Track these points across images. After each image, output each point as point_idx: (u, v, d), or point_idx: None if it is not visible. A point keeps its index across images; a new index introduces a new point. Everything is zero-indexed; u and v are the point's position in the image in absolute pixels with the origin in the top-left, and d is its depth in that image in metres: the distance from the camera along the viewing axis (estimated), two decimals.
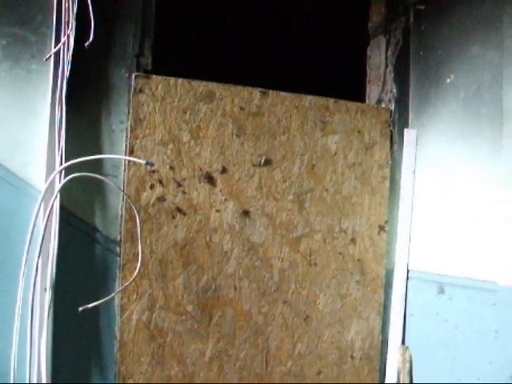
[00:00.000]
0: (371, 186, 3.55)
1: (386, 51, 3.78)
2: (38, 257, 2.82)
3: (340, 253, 3.48)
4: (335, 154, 3.48)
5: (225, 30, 4.85)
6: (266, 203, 3.36)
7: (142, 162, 2.83)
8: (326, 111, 3.47)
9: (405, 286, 3.52)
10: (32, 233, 2.82)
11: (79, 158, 2.86)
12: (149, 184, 3.17)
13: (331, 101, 3.49)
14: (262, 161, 3.35)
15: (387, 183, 3.59)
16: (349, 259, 3.50)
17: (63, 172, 2.91)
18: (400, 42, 3.76)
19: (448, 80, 3.39)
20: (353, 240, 3.51)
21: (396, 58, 3.75)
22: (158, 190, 3.18)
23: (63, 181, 2.86)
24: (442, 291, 3.25)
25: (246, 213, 3.32)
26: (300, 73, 4.55)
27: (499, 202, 2.92)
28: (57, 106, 3.01)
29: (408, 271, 3.52)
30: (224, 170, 3.28)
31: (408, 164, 3.57)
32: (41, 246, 2.82)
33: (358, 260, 3.51)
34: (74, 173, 2.83)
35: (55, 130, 2.99)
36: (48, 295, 2.91)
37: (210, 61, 4.58)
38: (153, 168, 3.16)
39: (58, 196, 2.89)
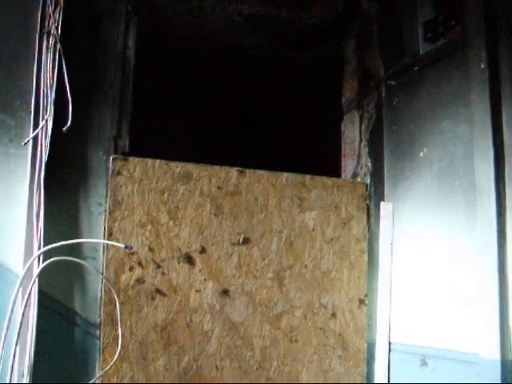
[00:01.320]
0: (350, 261, 3.57)
1: (360, 126, 3.86)
2: (16, 343, 2.78)
3: (321, 328, 3.47)
4: (313, 229, 3.52)
5: (202, 111, 4.93)
6: (246, 281, 3.36)
7: (121, 246, 2.84)
8: (303, 188, 3.52)
9: (387, 358, 3.50)
10: (10, 318, 2.79)
11: (58, 241, 2.87)
12: (128, 266, 3.17)
13: (308, 177, 3.54)
14: (241, 239, 3.37)
15: (366, 257, 3.61)
16: (330, 334, 3.49)
17: (41, 256, 2.90)
18: (373, 117, 3.84)
19: (421, 154, 3.46)
20: (333, 315, 3.50)
21: (370, 132, 3.83)
22: (138, 271, 3.18)
23: (41, 265, 2.85)
24: (424, 363, 3.24)
25: (225, 292, 3.32)
26: (276, 150, 4.61)
27: (477, 273, 2.95)
28: (35, 190, 3.02)
29: (390, 344, 3.51)
30: (203, 250, 3.29)
31: (385, 237, 3.60)
32: (19, 332, 2.78)
33: (339, 334, 3.50)
34: (52, 256, 2.83)
35: (33, 213, 3.00)
36: (26, 381, 2.86)
37: (188, 141, 4.64)
38: (132, 250, 3.16)
39: (37, 281, 2.88)
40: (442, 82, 3.39)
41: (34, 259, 2.88)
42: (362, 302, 3.56)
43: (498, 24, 3.10)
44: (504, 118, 2.98)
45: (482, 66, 3.05)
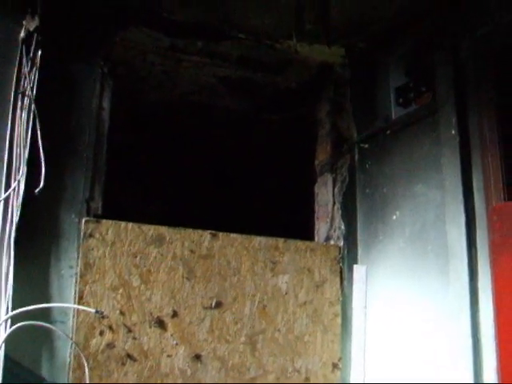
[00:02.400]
0: (323, 324, 3.55)
1: (333, 189, 3.88)
2: None
3: None
4: (286, 293, 3.50)
5: (176, 174, 4.94)
6: (218, 346, 3.31)
7: (92, 310, 2.80)
8: (276, 251, 3.51)
9: None
10: None
11: (27, 305, 2.82)
12: (98, 330, 3.11)
13: (281, 241, 3.54)
14: (213, 303, 3.33)
15: (339, 320, 3.59)
16: None
17: (9, 321, 2.84)
18: (346, 180, 3.87)
19: (394, 217, 3.49)
20: (307, 379, 3.46)
21: (343, 195, 3.85)
22: (108, 336, 3.12)
23: (9, 331, 2.79)
24: None
25: (197, 357, 3.26)
26: (250, 213, 4.62)
27: (451, 337, 2.95)
28: (5, 252, 2.98)
29: None
30: (175, 314, 3.25)
31: (359, 300, 3.59)
32: None
33: None
34: (20, 320, 2.77)
35: (2, 276, 2.95)
36: None
37: (161, 204, 4.64)
38: (103, 315, 3.11)
39: (3, 346, 2.81)
40: (413, 146, 3.44)
41: (1, 324, 2.82)
42: (335, 366, 3.53)
43: (468, 91, 3.17)
44: (475, 183, 3.02)
45: (453, 132, 3.11)
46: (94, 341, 3.10)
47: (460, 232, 2.97)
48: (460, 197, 3.01)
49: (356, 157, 3.89)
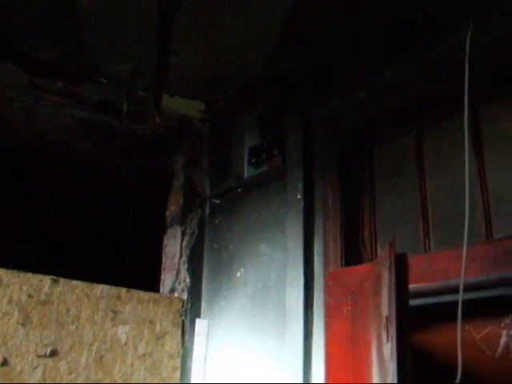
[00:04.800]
0: (162, 377, 3.52)
1: (181, 241, 3.90)
2: None
3: None
4: (125, 344, 3.45)
5: (16, 215, 4.79)
6: None
7: None
8: (118, 301, 3.47)
9: None
10: None
11: None
12: None
13: (123, 290, 3.50)
14: (48, 351, 3.22)
15: (178, 373, 3.58)
16: None
17: None
18: (195, 234, 3.91)
19: (238, 274, 3.55)
20: None
21: (191, 248, 3.88)
22: None
23: None
24: None
25: None
26: (97, 260, 4.55)
27: None
28: None
29: None
30: (5, 362, 3.10)
31: (199, 354, 3.60)
32: None
33: None
34: None
35: None
36: None
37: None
38: None
39: None
40: (262, 206, 3.54)
41: None
42: None
43: (316, 158, 3.32)
44: (315, 247, 3.15)
45: (298, 197, 3.23)
46: None
47: (298, 293, 3.07)
48: (301, 259, 3.12)
49: (207, 211, 3.94)
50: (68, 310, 3.32)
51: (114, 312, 3.44)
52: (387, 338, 1.96)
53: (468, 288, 2.44)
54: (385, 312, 2.02)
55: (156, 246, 4.08)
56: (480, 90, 2.74)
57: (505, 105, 2.81)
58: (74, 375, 3.28)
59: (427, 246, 2.92)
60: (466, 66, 2.63)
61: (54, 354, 3.24)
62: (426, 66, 2.95)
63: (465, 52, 2.66)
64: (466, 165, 2.55)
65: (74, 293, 3.35)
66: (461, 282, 2.35)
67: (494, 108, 2.85)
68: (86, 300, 3.38)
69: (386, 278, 2.06)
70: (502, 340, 2.63)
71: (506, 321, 2.63)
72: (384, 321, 2.01)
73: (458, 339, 2.29)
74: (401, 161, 3.15)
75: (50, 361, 3.22)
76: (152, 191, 4.34)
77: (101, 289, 3.44)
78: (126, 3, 3.03)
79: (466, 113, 2.58)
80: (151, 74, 3.56)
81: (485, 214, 2.74)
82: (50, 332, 3.25)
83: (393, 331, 1.90)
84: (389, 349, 1.94)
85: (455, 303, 2.34)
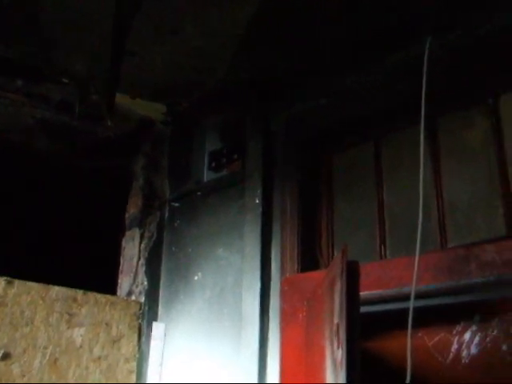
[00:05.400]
0: (117, 380, 3.49)
1: (140, 244, 3.88)
2: None
3: None
4: (80, 347, 3.41)
5: None
6: None
7: None
8: (74, 303, 3.43)
9: None
10: None
11: None
12: None
13: (80, 292, 3.47)
14: (0, 354, 3.18)
15: (133, 377, 3.56)
16: None
17: None
18: (154, 236, 3.89)
19: (196, 277, 3.54)
20: None
21: (149, 251, 3.85)
22: None
23: None
24: None
25: None
26: (54, 262, 4.50)
27: None
28: None
29: None
30: None
31: (155, 358, 3.59)
32: None
33: None
34: None
35: None
36: None
37: None
38: None
39: None
40: (221, 210, 3.55)
41: None
42: None
43: (276, 164, 3.34)
44: (273, 252, 3.16)
45: (257, 202, 3.25)
46: None
47: (254, 299, 3.08)
48: (258, 264, 3.13)
49: (166, 214, 3.93)
50: (22, 312, 3.28)
51: (69, 314, 3.41)
52: (337, 345, 1.98)
53: (421, 295, 2.48)
54: (336, 319, 2.04)
55: (114, 249, 4.05)
56: (438, 101, 2.79)
57: (462, 115, 2.86)
58: (26, 378, 3.23)
59: (383, 254, 2.96)
60: (424, 76, 2.68)
61: (6, 356, 3.19)
62: (386, 76, 2.99)
63: (423, 62, 2.71)
64: (421, 174, 2.59)
65: (28, 294, 3.31)
66: (412, 289, 2.39)
67: (451, 118, 2.90)
68: (41, 302, 3.34)
69: (338, 285, 2.08)
70: (454, 347, 2.67)
71: (458, 328, 2.68)
72: (335, 327, 2.03)
73: (408, 344, 2.32)
74: (359, 169, 3.19)
75: (2, 364, 3.17)
76: (112, 193, 4.31)
77: (56, 291, 3.40)
78: (86, 2, 3.01)
79: (422, 123, 2.62)
80: (105, 76, 3.54)
81: (439, 222, 2.79)
82: (3, 334, 3.21)
83: (343, 338, 1.92)
84: (339, 355, 1.96)
85: (408, 310, 2.37)
